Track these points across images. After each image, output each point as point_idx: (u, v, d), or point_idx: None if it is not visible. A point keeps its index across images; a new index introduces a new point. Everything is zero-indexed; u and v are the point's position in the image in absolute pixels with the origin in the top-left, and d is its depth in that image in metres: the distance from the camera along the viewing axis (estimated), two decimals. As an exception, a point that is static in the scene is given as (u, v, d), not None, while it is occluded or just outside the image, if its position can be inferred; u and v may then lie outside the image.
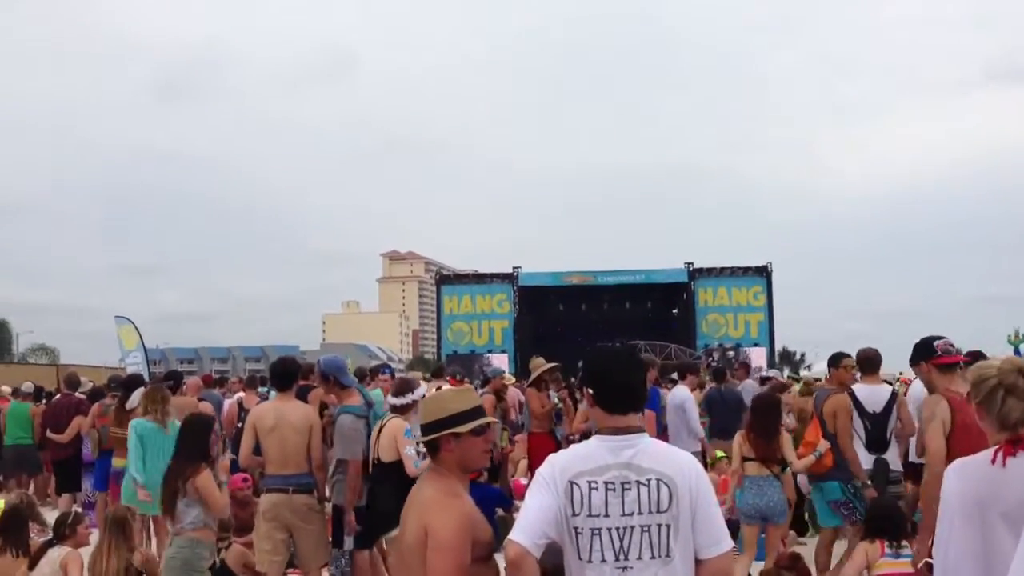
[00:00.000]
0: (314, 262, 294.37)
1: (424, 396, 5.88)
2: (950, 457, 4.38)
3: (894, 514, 5.66)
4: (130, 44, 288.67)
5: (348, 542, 6.41)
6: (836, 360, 7.38)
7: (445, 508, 2.85)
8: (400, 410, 6.35)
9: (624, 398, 2.80)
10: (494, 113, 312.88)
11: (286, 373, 6.55)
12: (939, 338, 4.82)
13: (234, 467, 10.48)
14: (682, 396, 9.72)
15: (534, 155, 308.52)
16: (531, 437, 10.27)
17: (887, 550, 5.38)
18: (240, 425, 11.16)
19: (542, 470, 2.75)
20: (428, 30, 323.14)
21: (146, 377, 18.26)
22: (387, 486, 5.95)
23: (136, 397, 8.13)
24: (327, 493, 6.58)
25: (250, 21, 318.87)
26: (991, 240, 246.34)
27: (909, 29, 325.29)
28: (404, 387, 6.62)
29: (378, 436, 6.27)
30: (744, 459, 6.80)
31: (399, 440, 6.09)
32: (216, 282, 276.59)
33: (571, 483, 2.67)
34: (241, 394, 12.32)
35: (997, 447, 2.68)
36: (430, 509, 2.85)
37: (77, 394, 11.05)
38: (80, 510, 7.99)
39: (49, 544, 5.79)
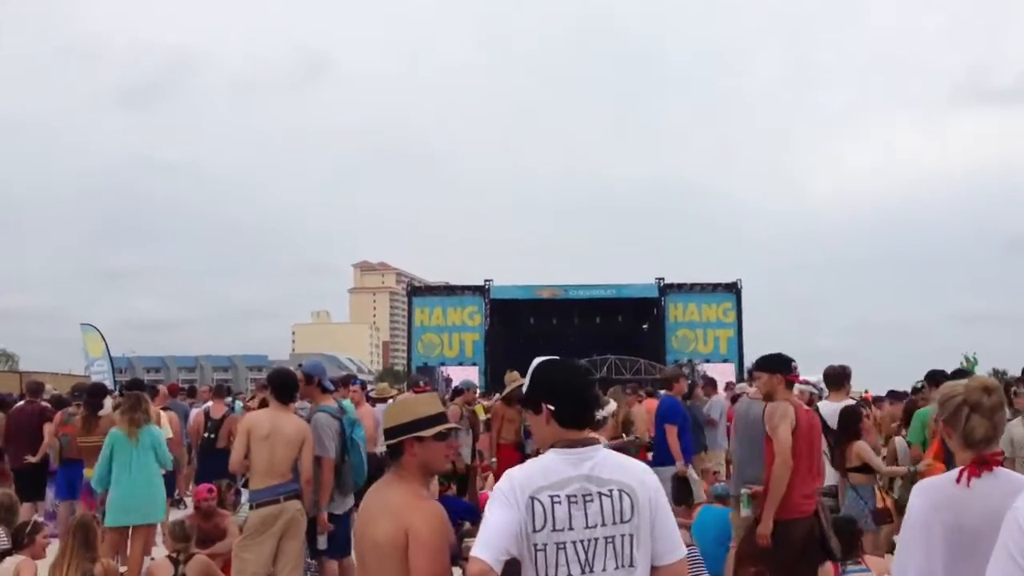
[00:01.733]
0: (284, 271, 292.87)
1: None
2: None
3: (847, 532, 5.72)
4: (101, 49, 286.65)
5: (322, 541, 6.44)
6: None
7: (425, 510, 2.88)
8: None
9: (587, 413, 2.82)
10: (469, 123, 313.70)
11: (285, 385, 6.53)
12: (793, 360, 5.69)
13: (199, 477, 10.42)
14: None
15: (508, 168, 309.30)
16: (499, 449, 10.28)
17: (841, 569, 5.46)
18: (207, 435, 11.12)
19: (501, 485, 2.70)
20: (403, 37, 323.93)
21: (111, 385, 18.09)
22: None
23: (109, 404, 8.05)
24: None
25: (222, 27, 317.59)
26: (963, 256, 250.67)
27: (885, 44, 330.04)
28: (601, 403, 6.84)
29: None
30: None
31: None
32: (184, 290, 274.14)
33: (532, 498, 2.62)
34: (209, 403, 12.23)
35: (962, 468, 2.67)
36: (409, 511, 2.86)
37: (41, 401, 10.90)
38: (41, 519, 7.89)
39: (7, 553, 5.71)
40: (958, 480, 2.65)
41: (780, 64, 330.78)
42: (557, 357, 2.98)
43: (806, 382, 12.23)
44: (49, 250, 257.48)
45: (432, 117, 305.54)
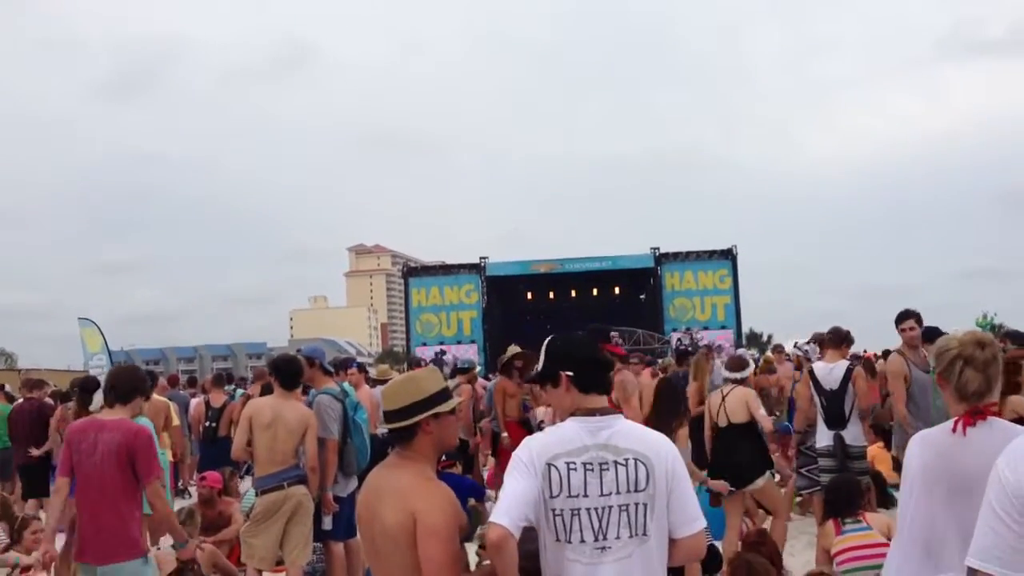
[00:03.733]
0: (280, 257, 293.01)
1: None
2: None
3: (846, 491, 5.75)
4: (87, 41, 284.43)
5: (327, 522, 6.46)
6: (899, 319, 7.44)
7: (433, 494, 2.83)
8: (739, 383, 7.16)
9: (603, 378, 2.87)
10: (459, 105, 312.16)
11: (291, 371, 6.51)
12: (613, 331, 6.24)
13: (202, 466, 10.44)
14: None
15: (498, 146, 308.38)
16: (506, 426, 10.28)
17: (841, 527, 5.49)
18: (209, 424, 11.14)
19: (519, 452, 2.74)
20: (392, 22, 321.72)
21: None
22: (744, 442, 6.97)
23: (99, 398, 8.01)
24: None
25: (210, 15, 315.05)
26: (964, 214, 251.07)
27: (878, 3, 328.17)
28: (740, 364, 7.38)
29: (722, 402, 7.11)
30: None
31: (751, 403, 7.00)
32: (181, 280, 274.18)
33: (549, 465, 2.66)
34: (210, 393, 12.24)
35: (957, 418, 2.74)
36: (417, 495, 2.80)
37: (44, 398, 10.89)
38: (32, 514, 7.89)
39: (7, 548, 5.75)
40: (953, 429, 2.72)
41: (773, 31, 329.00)
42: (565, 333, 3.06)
43: (796, 345, 12.27)
44: (43, 246, 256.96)
45: (422, 101, 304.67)
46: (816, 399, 7.41)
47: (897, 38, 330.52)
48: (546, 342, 2.96)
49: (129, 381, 5.01)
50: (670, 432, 6.24)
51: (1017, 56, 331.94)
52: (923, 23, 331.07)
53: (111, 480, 4.65)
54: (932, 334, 7.61)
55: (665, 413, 6.45)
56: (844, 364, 7.36)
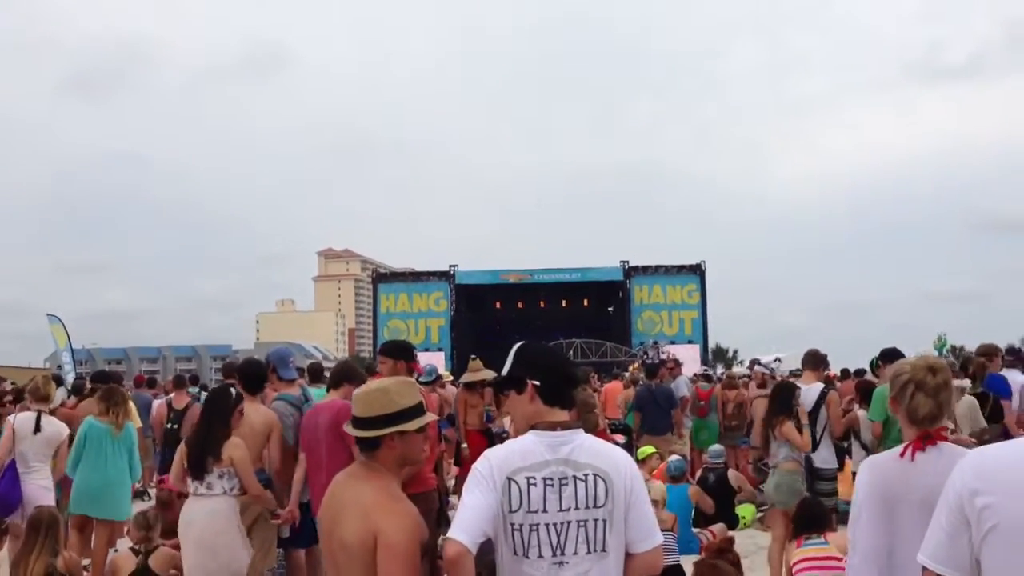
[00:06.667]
0: (248, 260, 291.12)
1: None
2: None
3: (818, 513, 5.85)
4: (58, 40, 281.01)
5: (284, 531, 6.37)
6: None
7: (396, 513, 2.77)
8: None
9: (569, 391, 2.84)
10: (431, 112, 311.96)
11: (255, 375, 6.48)
12: (414, 347, 6.42)
13: (163, 469, 10.30)
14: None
15: (472, 154, 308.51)
16: (467, 436, 10.29)
17: (804, 543, 5.59)
18: (171, 426, 11.01)
19: (479, 466, 2.70)
20: (363, 27, 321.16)
21: (72, 378, 17.84)
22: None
23: (61, 394, 7.93)
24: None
25: (186, 16, 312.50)
26: (927, 238, 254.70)
27: (851, 27, 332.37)
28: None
29: None
30: None
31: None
32: (147, 281, 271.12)
33: (509, 479, 2.64)
34: (172, 394, 12.10)
35: (907, 443, 2.77)
36: (379, 512, 2.75)
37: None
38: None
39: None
40: (902, 454, 2.76)
41: (749, 50, 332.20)
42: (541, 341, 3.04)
43: (757, 362, 12.43)
44: (7, 243, 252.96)
45: (396, 107, 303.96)
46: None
47: (869, 58, 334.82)
48: (517, 347, 2.91)
49: (338, 374, 6.22)
50: (772, 429, 6.88)
51: (984, 81, 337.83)
52: (895, 45, 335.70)
53: (328, 450, 5.63)
54: (892, 355, 7.74)
55: (774, 411, 6.92)
56: (819, 387, 7.47)
